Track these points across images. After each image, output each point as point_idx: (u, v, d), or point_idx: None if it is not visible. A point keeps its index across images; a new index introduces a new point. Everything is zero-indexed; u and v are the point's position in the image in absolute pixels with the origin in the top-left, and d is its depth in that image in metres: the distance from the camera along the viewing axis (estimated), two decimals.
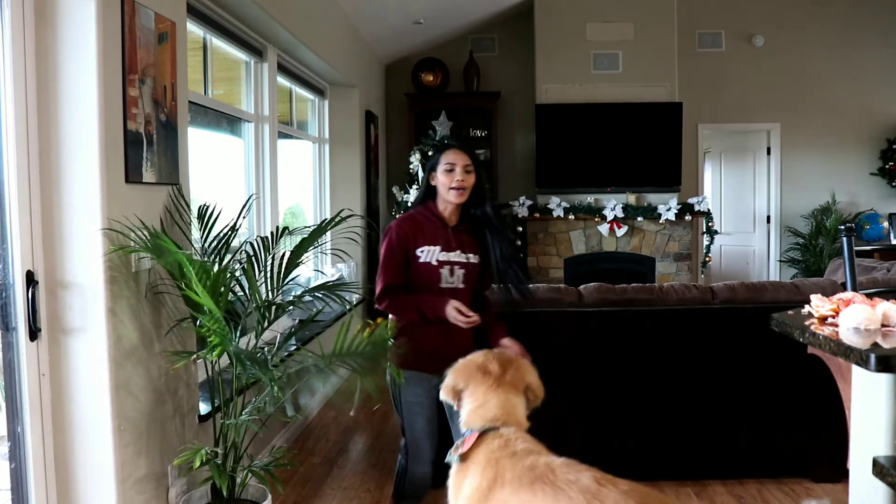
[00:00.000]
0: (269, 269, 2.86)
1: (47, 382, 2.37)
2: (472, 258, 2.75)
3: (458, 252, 2.72)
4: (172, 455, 2.79)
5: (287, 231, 3.02)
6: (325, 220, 2.95)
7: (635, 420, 3.63)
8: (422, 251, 2.68)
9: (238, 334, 2.70)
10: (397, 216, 3.11)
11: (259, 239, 2.93)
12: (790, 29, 7.98)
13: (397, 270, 2.70)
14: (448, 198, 2.71)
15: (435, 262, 2.68)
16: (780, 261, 8.14)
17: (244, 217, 3.02)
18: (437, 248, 2.69)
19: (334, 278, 5.40)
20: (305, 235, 2.88)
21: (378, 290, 2.71)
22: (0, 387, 2.34)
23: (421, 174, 6.20)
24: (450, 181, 2.68)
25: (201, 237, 2.87)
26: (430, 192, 2.79)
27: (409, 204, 2.95)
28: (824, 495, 3.45)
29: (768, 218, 8.24)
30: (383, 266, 2.72)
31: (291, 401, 2.46)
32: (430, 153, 6.29)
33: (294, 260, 2.89)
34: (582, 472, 1.82)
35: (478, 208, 2.77)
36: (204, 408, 3.12)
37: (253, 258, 2.82)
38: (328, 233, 3.01)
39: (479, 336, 2.77)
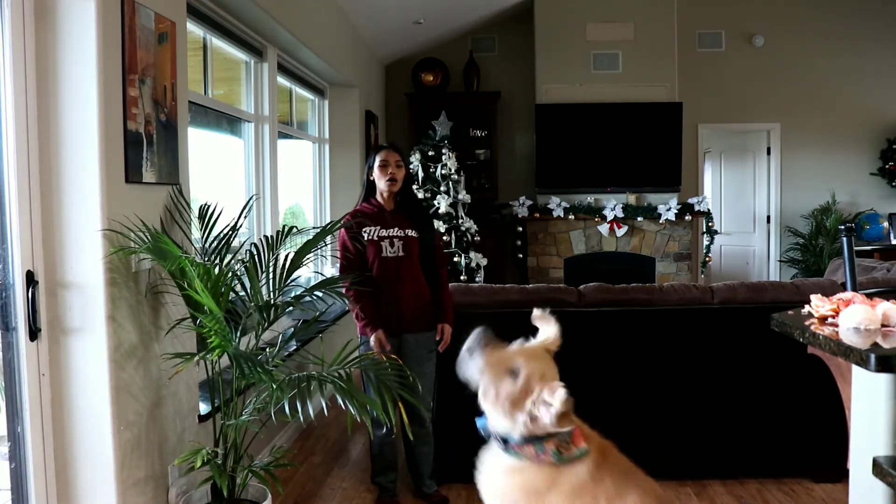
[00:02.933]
0: (271, 269, 2.86)
1: (47, 382, 2.37)
2: (410, 233, 3.38)
3: (395, 229, 3.36)
4: (172, 455, 2.79)
5: (294, 230, 3.01)
6: (331, 222, 2.98)
7: (635, 420, 3.63)
8: (366, 231, 3.35)
9: (238, 334, 2.70)
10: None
11: (263, 239, 2.92)
12: (790, 29, 7.98)
13: (348, 259, 3.35)
14: (383, 187, 3.37)
15: (376, 238, 3.34)
16: (780, 261, 8.14)
17: (245, 217, 3.02)
18: (378, 227, 3.35)
19: None
20: (310, 237, 2.89)
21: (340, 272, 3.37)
22: (0, 387, 2.34)
23: (421, 174, 6.23)
24: (384, 174, 3.35)
25: (202, 237, 2.87)
26: (371, 189, 3.44)
27: (358, 201, 3.54)
28: (824, 496, 3.45)
29: (768, 218, 8.24)
30: (340, 256, 3.39)
31: (291, 403, 2.44)
32: (429, 153, 6.31)
33: (297, 261, 2.89)
34: None
35: (408, 198, 3.47)
36: (204, 408, 3.12)
37: (256, 258, 2.82)
38: (328, 234, 3.01)
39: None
